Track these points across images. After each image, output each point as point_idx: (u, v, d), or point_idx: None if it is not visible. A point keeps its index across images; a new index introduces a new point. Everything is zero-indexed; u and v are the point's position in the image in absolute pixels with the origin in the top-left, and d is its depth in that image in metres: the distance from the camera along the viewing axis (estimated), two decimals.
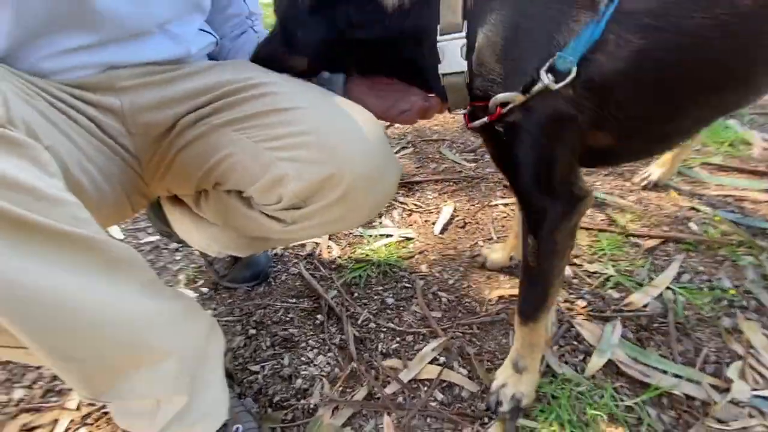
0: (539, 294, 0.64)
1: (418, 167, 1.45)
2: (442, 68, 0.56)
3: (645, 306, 0.84)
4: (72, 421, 0.77)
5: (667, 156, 1.12)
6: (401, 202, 1.26)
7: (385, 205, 0.69)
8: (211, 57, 0.75)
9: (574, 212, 0.59)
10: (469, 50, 0.55)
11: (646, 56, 0.50)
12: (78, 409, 0.79)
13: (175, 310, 0.52)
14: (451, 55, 0.55)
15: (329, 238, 1.15)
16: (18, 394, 0.84)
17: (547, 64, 0.50)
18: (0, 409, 0.81)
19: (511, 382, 0.69)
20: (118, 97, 0.58)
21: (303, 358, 0.84)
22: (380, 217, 1.21)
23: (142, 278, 0.48)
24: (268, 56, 0.67)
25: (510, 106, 0.53)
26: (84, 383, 0.46)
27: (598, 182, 1.22)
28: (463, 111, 0.60)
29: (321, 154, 0.56)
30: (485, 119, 0.56)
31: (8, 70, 0.49)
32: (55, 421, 0.77)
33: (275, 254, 1.13)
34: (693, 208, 1.07)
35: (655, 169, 1.16)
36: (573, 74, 0.49)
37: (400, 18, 0.58)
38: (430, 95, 0.65)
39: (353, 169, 0.57)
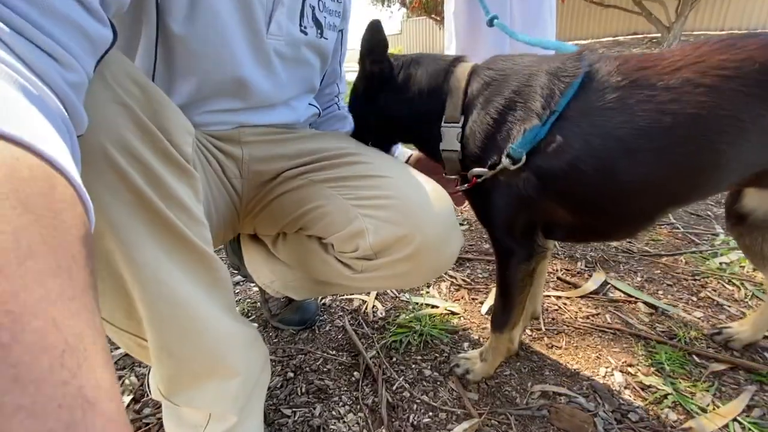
0: (503, 315, 0.84)
1: (471, 245, 1.48)
2: (442, 146, 0.77)
3: None
4: None
5: (757, 315, 0.94)
6: (450, 276, 1.29)
7: (445, 269, 0.74)
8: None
9: (531, 260, 0.76)
10: (462, 136, 0.74)
11: (582, 156, 0.64)
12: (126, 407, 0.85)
13: (248, 335, 0.59)
14: (449, 137, 0.76)
15: (376, 298, 1.19)
16: None
17: (506, 151, 0.67)
18: None
19: (472, 361, 0.91)
20: (242, 148, 0.72)
21: (334, 412, 0.84)
22: (428, 287, 1.24)
23: (230, 300, 0.56)
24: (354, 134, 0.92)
25: (483, 178, 0.72)
26: (169, 379, 0.52)
27: (660, 291, 1.17)
28: (454, 177, 0.80)
29: (398, 216, 0.65)
30: (466, 186, 0.76)
31: None
32: None
33: (323, 304, 1.19)
34: None
35: (739, 328, 0.97)
36: (523, 161, 0.66)
37: (417, 106, 0.80)
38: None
39: (423, 233, 0.65)
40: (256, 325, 1.11)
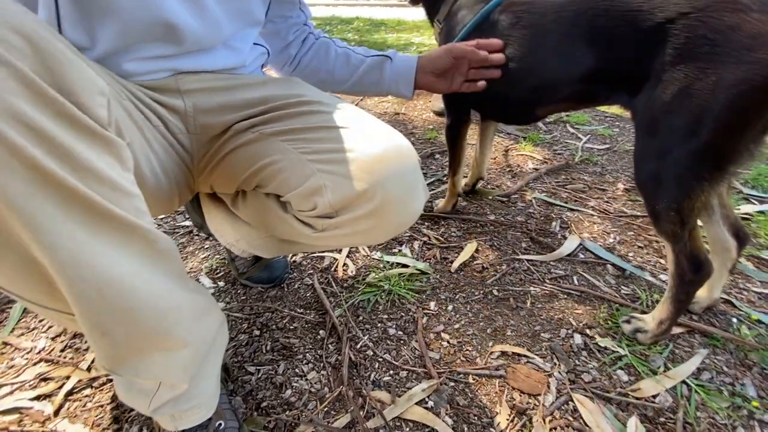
0: (452, 163, 1.30)
1: None
2: (434, 35, 1.22)
3: (654, 396, 0.79)
4: (80, 380, 0.84)
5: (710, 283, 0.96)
6: (424, 234, 1.27)
7: (410, 225, 0.71)
8: (264, 67, 0.86)
9: (459, 126, 1.22)
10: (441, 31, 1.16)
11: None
12: (88, 370, 0.86)
13: (198, 304, 0.56)
14: (436, 30, 1.19)
15: (347, 256, 1.18)
16: (41, 343, 0.92)
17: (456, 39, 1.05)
18: (24, 354, 0.90)
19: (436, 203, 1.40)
20: (183, 99, 0.65)
21: (297, 370, 0.86)
22: (401, 245, 1.23)
23: (176, 270, 0.52)
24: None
25: None
26: (108, 356, 0.50)
27: (631, 253, 1.18)
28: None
29: (358, 171, 0.61)
30: None
31: (106, 72, 0.57)
32: (67, 377, 0.84)
33: (294, 262, 1.17)
34: (729, 302, 1.00)
35: (700, 292, 0.96)
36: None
37: (430, 4, 1.21)
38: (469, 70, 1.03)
39: (385, 189, 0.61)
40: (222, 283, 1.10)
